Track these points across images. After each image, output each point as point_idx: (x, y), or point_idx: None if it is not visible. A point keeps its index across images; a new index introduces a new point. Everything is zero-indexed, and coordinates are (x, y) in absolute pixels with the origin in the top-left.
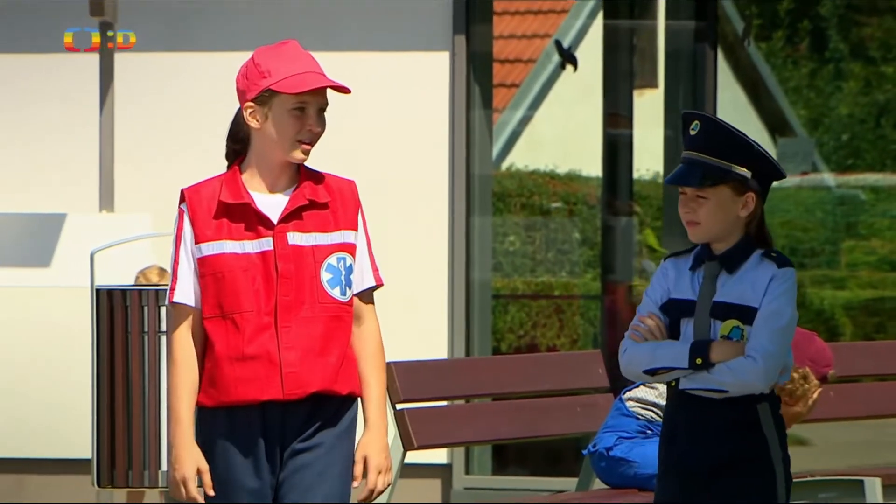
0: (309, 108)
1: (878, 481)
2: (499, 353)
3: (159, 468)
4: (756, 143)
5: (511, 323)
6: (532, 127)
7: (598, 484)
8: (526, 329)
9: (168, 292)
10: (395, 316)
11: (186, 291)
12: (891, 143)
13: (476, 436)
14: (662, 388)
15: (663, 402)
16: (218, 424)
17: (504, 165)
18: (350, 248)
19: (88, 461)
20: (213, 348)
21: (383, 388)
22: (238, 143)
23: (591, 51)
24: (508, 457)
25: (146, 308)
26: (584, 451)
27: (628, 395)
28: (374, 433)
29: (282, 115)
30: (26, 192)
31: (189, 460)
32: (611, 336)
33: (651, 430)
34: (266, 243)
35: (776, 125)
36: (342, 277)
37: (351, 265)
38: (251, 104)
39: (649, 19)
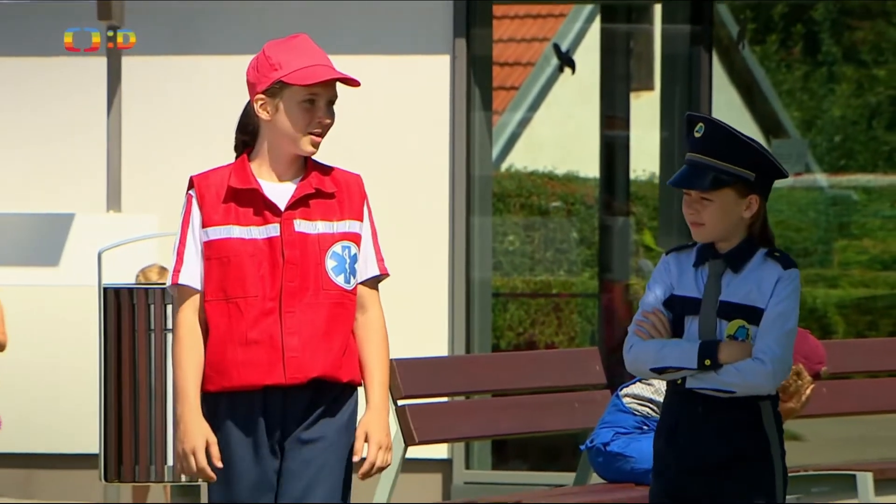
0: (319, 101)
1: (869, 476)
2: (498, 351)
3: (165, 463)
4: (759, 145)
5: (510, 321)
6: (531, 129)
7: (595, 478)
8: (525, 327)
9: (172, 274)
10: (396, 313)
11: (192, 274)
12: (882, 145)
13: (476, 431)
14: (658, 384)
15: (659, 399)
16: (219, 409)
17: (504, 166)
18: (355, 238)
19: (96, 456)
20: (213, 332)
21: (386, 373)
22: (247, 135)
23: (588, 54)
24: (508, 452)
25: (152, 306)
26: (582, 447)
27: (625, 391)
28: (376, 412)
29: (292, 106)
30: (35, 193)
31: (197, 432)
32: (608, 333)
33: (647, 425)
34: (273, 229)
35: (770, 127)
36: (346, 266)
37: (356, 254)
38: (262, 96)
39: (646, 23)
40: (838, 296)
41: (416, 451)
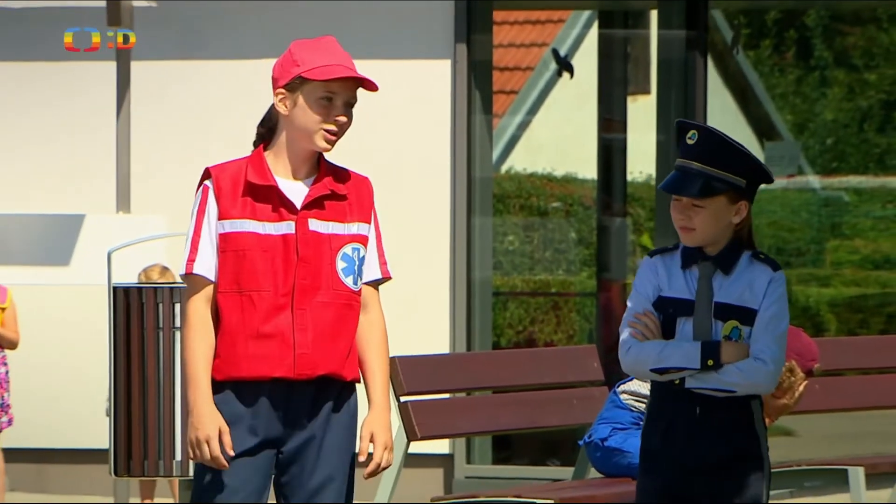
0: (336, 99)
1: (861, 470)
2: (498, 348)
3: (174, 458)
4: (749, 152)
5: (510, 319)
6: (530, 132)
7: (593, 473)
8: (524, 325)
9: (185, 263)
10: (399, 312)
11: (207, 265)
12: (873, 147)
13: (477, 427)
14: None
15: None
16: (223, 395)
17: (504, 168)
18: (363, 240)
19: (106, 451)
20: (224, 323)
21: (387, 372)
22: (264, 128)
23: (586, 59)
24: (508, 447)
25: (161, 305)
26: (580, 442)
27: (622, 388)
28: (380, 412)
29: (310, 102)
30: (46, 194)
31: (211, 421)
32: (606, 332)
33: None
34: (287, 227)
35: (764, 130)
36: (355, 267)
37: (363, 256)
38: (282, 90)
39: (642, 29)
40: (830, 294)
41: (418, 447)
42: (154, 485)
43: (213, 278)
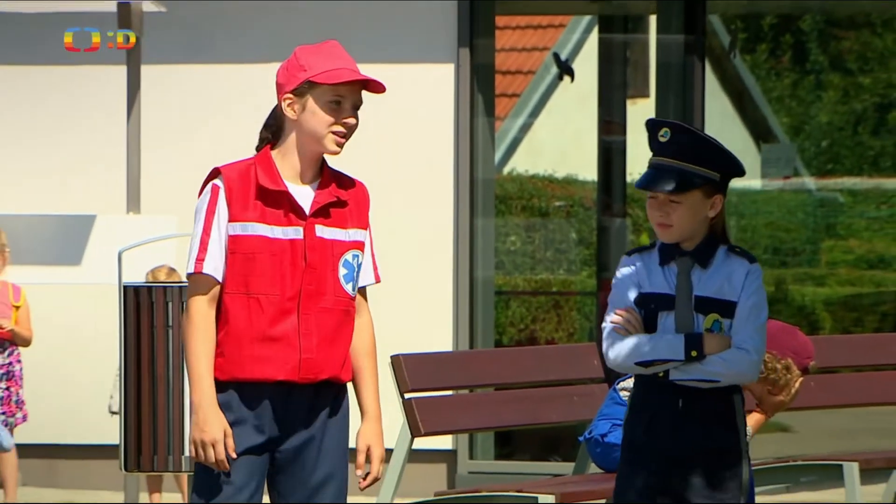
0: (344, 103)
1: (855, 466)
2: (501, 346)
3: (183, 453)
4: (722, 146)
5: (512, 317)
6: (532, 134)
7: (593, 468)
8: (526, 323)
9: (194, 262)
10: (403, 311)
11: (216, 265)
12: (868, 149)
13: (479, 423)
14: None
15: None
16: (226, 393)
17: (506, 170)
18: (361, 247)
19: (116, 447)
20: (230, 324)
21: (377, 378)
22: (268, 132)
23: (587, 63)
24: (510, 443)
25: (170, 304)
26: (581, 438)
27: (622, 384)
28: (374, 423)
29: (318, 106)
30: (58, 195)
31: (217, 424)
32: None
33: None
34: (295, 232)
35: (760, 132)
36: (354, 274)
37: (361, 263)
38: (290, 95)
39: (642, 33)
40: (825, 294)
41: (422, 443)
42: (161, 480)
43: (220, 279)
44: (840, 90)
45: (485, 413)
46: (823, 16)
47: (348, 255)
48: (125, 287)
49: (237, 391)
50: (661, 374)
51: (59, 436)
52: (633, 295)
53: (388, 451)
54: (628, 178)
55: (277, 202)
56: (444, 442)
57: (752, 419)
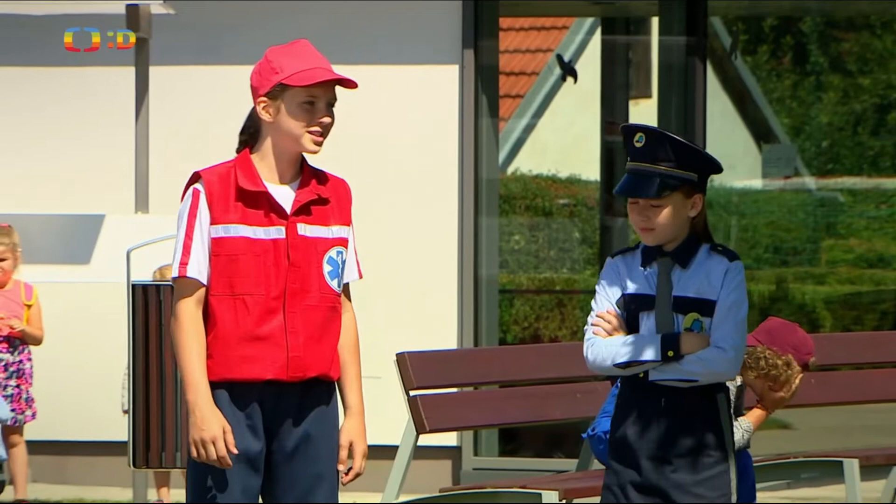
0: (318, 102)
1: (855, 462)
2: (505, 344)
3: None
4: (698, 146)
5: (516, 316)
6: (535, 134)
7: (596, 465)
8: (530, 321)
9: (178, 266)
10: (408, 309)
11: (200, 268)
12: (867, 150)
13: (484, 420)
14: None
15: None
16: (217, 396)
17: (510, 170)
18: (345, 243)
19: (125, 444)
20: (217, 325)
21: (360, 373)
22: (246, 135)
23: (590, 64)
24: (514, 440)
25: None
26: (584, 435)
27: None
28: (357, 419)
29: (293, 107)
30: (68, 195)
31: (215, 422)
32: None
33: None
34: (277, 231)
35: (761, 133)
36: (339, 270)
37: (345, 259)
38: (264, 99)
39: (644, 35)
40: (825, 292)
41: (427, 439)
42: (169, 476)
43: (205, 281)
44: (840, 91)
45: (489, 410)
46: (823, 17)
47: (332, 252)
48: (133, 285)
49: (227, 392)
50: (640, 375)
51: (69, 433)
52: (615, 297)
53: (383, 448)
54: None
55: (258, 203)
56: (448, 438)
57: (753, 415)
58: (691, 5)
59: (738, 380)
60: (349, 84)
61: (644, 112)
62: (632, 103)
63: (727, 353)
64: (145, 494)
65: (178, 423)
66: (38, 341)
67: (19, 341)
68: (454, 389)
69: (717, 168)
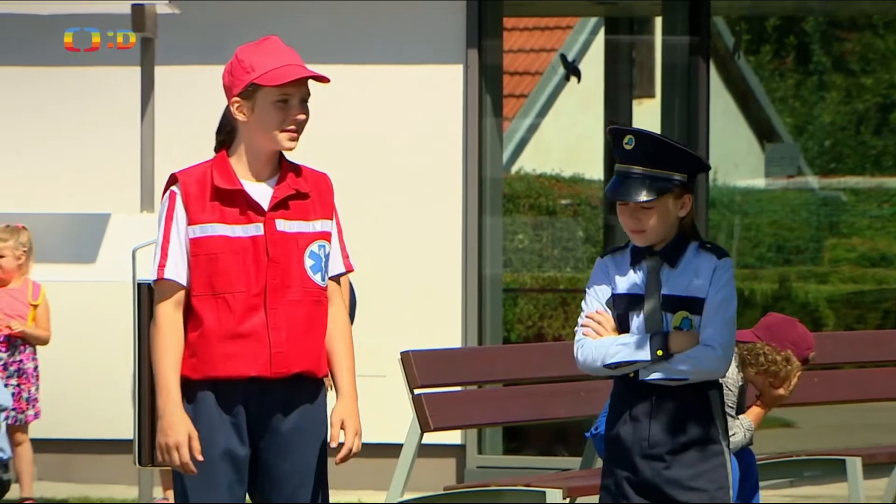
0: (292, 99)
1: (858, 461)
2: (509, 343)
3: None
4: (686, 147)
5: (520, 314)
6: (539, 134)
7: (600, 463)
8: (534, 320)
9: (156, 269)
10: (412, 308)
11: (178, 270)
12: (870, 149)
13: (488, 418)
14: None
15: None
16: (201, 394)
17: (513, 169)
18: (327, 237)
19: (130, 442)
20: (201, 324)
21: (352, 361)
22: (223, 135)
23: (593, 64)
24: (518, 438)
25: None
26: (587, 434)
27: None
28: (349, 401)
29: (266, 106)
30: (73, 194)
31: (182, 426)
32: None
33: None
34: (255, 228)
35: (764, 132)
36: (322, 264)
37: (329, 253)
38: (237, 99)
39: (647, 35)
40: (828, 291)
41: (431, 437)
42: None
43: (184, 283)
44: (843, 90)
45: (493, 408)
46: (826, 17)
47: (314, 247)
48: (139, 284)
49: (213, 391)
50: (631, 375)
51: (75, 431)
52: (605, 297)
53: (387, 447)
54: None
55: (234, 201)
56: (453, 437)
57: (753, 413)
58: (694, 5)
59: (740, 379)
60: (322, 79)
61: (647, 112)
62: (635, 103)
63: (716, 351)
64: (151, 492)
65: None
66: (42, 341)
67: (20, 341)
68: (458, 388)
69: (705, 168)
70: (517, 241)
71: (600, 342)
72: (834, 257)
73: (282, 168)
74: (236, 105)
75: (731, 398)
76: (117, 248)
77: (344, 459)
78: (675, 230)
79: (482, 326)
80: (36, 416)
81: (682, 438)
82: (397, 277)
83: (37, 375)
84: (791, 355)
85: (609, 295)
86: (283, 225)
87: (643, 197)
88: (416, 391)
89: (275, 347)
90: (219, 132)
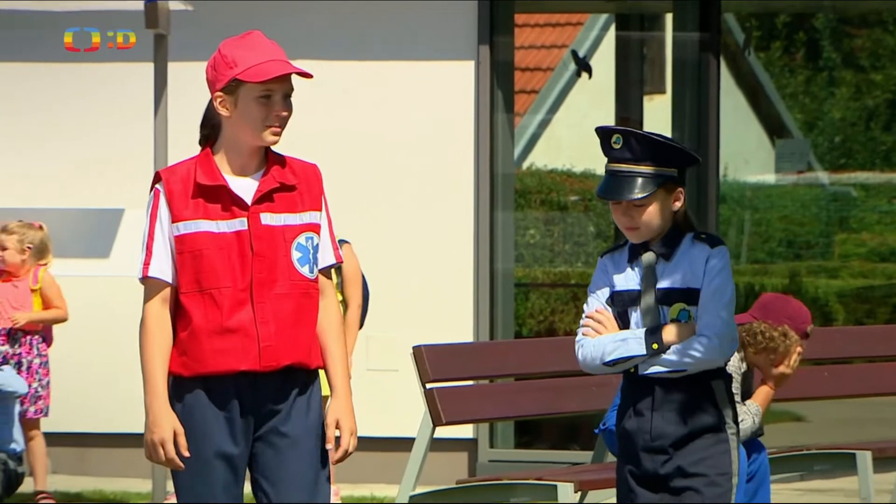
0: (275, 95)
1: (868, 454)
2: (520, 337)
3: None
4: (674, 141)
5: (532, 309)
6: (550, 130)
7: (611, 457)
8: (545, 315)
9: (141, 267)
10: (425, 303)
11: (163, 267)
12: (880, 145)
13: (499, 413)
14: None
15: None
16: (194, 392)
17: (525, 165)
18: (316, 229)
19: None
20: (189, 321)
21: (346, 358)
22: (207, 129)
23: (604, 60)
24: (530, 432)
25: None
26: (596, 431)
27: None
28: (343, 399)
29: (249, 102)
30: (87, 189)
31: (166, 423)
32: None
33: None
34: (240, 223)
35: (774, 128)
36: (310, 256)
37: (317, 244)
38: (220, 94)
39: (658, 31)
40: (838, 286)
41: (443, 432)
42: None
43: (169, 280)
44: (852, 87)
45: (505, 402)
46: (836, 14)
47: (301, 239)
48: None
49: (204, 388)
50: (631, 370)
51: (89, 424)
52: (605, 295)
53: (399, 441)
54: None
55: (217, 197)
56: (464, 431)
57: (760, 396)
58: (705, 2)
59: (744, 365)
60: (305, 75)
61: (658, 108)
62: (646, 99)
63: (711, 340)
64: (164, 486)
65: None
66: (59, 320)
67: (21, 334)
68: (470, 382)
69: (695, 161)
70: (528, 237)
71: (598, 340)
72: (844, 252)
73: (268, 161)
74: (219, 100)
75: (734, 384)
76: (131, 244)
77: (340, 460)
78: (670, 224)
79: (494, 321)
80: (37, 412)
81: (685, 430)
82: (409, 272)
83: (44, 371)
84: (788, 330)
85: (609, 294)
86: (268, 219)
87: (634, 195)
88: (428, 385)
89: (263, 341)
90: (203, 126)
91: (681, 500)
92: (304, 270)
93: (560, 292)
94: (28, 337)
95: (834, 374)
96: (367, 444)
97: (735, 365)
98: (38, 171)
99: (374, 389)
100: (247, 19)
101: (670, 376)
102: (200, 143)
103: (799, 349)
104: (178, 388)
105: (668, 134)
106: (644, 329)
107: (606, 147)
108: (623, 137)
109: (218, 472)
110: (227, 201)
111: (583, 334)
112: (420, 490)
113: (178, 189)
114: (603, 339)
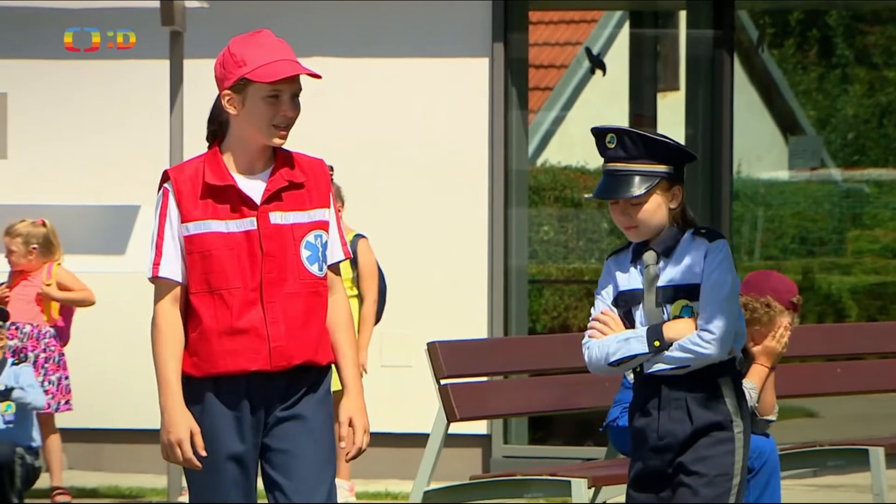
0: (283, 95)
1: (881, 450)
2: (534, 333)
3: None
4: (668, 139)
5: (545, 305)
6: (564, 127)
7: None
8: (559, 311)
9: (151, 267)
10: (439, 299)
11: (173, 267)
12: (893, 141)
13: (513, 408)
14: None
15: None
16: (205, 393)
17: (539, 162)
18: (324, 226)
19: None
20: (200, 322)
21: (356, 353)
22: (214, 125)
23: (618, 57)
24: (543, 428)
25: None
26: (601, 429)
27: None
28: (355, 397)
29: (257, 102)
30: (103, 186)
31: (182, 423)
32: None
33: None
34: (249, 223)
35: (788, 125)
36: (319, 254)
37: (326, 242)
38: (228, 92)
39: (671, 28)
40: (851, 282)
41: (457, 427)
42: None
43: (179, 280)
44: (866, 83)
45: (519, 398)
46: (849, 11)
47: (310, 237)
48: None
49: (214, 389)
50: (637, 369)
51: (105, 420)
52: (611, 296)
53: (414, 437)
54: None
55: (226, 197)
56: (479, 427)
57: (754, 373)
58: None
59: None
60: (314, 76)
61: (672, 105)
62: (659, 96)
63: (711, 333)
64: (180, 482)
65: None
66: (86, 301)
67: (28, 327)
68: (484, 378)
69: (690, 158)
70: (542, 233)
71: (603, 341)
72: (857, 249)
73: (276, 160)
74: (227, 98)
75: None
76: (146, 240)
77: (354, 457)
78: (669, 222)
79: (508, 317)
80: (48, 407)
81: (690, 428)
82: (424, 269)
83: (57, 366)
84: (771, 300)
85: (615, 294)
86: (277, 217)
87: (631, 193)
88: (443, 381)
89: (274, 342)
90: (210, 123)
91: (676, 499)
92: (314, 269)
93: (574, 288)
94: (35, 329)
95: (847, 371)
96: (382, 439)
97: None
98: (54, 167)
99: (388, 385)
100: (261, 16)
101: (675, 374)
102: (208, 139)
103: (786, 322)
104: (190, 388)
105: (682, 131)
106: (646, 327)
107: (601, 147)
108: (617, 136)
109: (228, 473)
110: (237, 201)
111: (589, 336)
112: (434, 486)
113: (188, 189)
114: (607, 340)
